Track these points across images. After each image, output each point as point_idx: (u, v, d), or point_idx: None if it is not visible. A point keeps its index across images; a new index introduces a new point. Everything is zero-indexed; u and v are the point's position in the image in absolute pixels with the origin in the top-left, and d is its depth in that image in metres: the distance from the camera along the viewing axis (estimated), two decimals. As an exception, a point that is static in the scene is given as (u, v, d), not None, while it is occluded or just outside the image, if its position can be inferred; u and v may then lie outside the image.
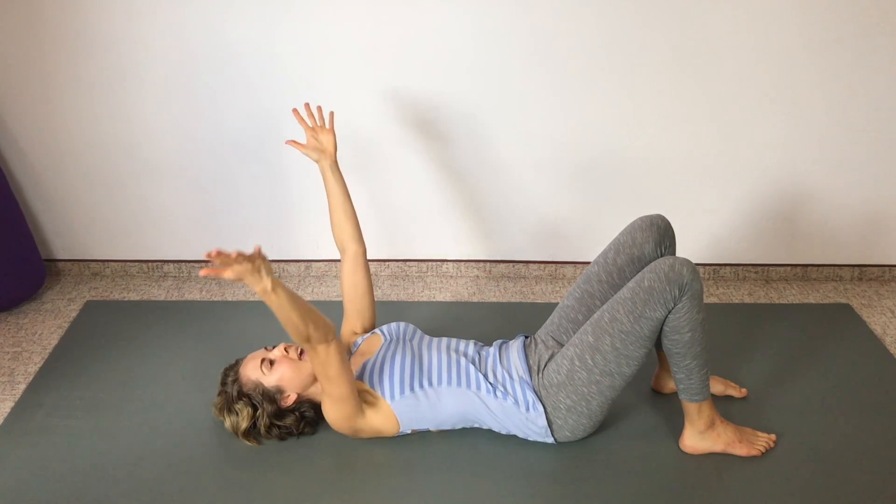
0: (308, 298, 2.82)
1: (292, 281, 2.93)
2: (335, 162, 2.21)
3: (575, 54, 2.56)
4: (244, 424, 2.00)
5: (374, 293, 2.83)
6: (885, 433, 2.10)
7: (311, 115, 2.23)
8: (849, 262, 2.91)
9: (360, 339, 2.21)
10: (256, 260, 1.70)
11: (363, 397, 2.00)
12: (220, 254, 1.65)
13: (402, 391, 1.98)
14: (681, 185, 2.76)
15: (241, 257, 1.67)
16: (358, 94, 2.64)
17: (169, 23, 2.52)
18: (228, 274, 1.66)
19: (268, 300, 1.75)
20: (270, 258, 2.92)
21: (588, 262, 2.83)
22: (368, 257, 2.91)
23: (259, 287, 1.73)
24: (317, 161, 2.20)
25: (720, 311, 2.70)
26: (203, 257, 2.02)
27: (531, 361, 2.05)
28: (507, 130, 2.69)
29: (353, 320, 2.24)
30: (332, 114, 2.23)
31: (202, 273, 1.62)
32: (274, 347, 2.07)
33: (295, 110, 2.21)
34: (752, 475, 1.96)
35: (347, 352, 2.20)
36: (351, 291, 2.23)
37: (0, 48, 2.56)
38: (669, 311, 1.86)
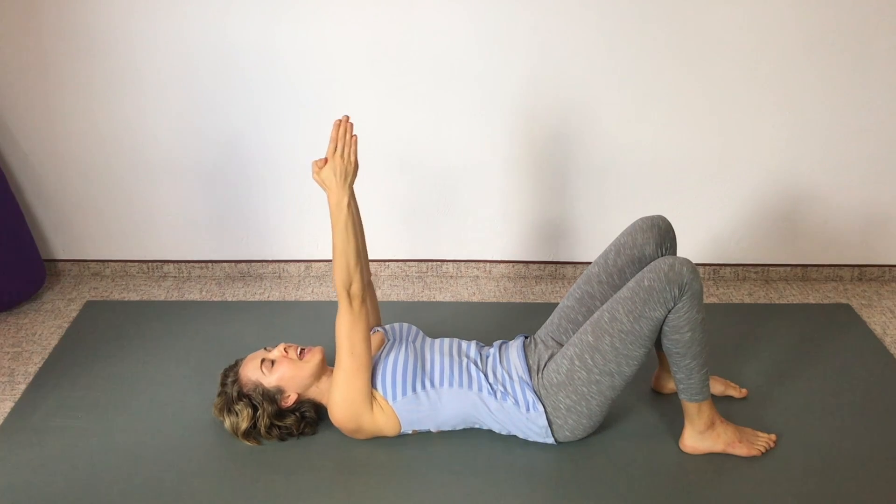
0: (308, 299, 2.82)
1: (292, 281, 2.93)
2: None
3: (575, 54, 2.56)
4: (244, 425, 2.00)
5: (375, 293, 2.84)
6: (884, 433, 2.10)
7: (344, 133, 1.86)
8: (849, 262, 2.91)
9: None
10: (350, 164, 1.83)
11: (374, 403, 2.00)
12: (350, 125, 1.84)
13: (403, 392, 1.98)
14: (681, 185, 2.77)
15: (350, 152, 1.83)
16: (358, 94, 2.64)
17: (169, 23, 2.52)
18: (319, 172, 1.85)
19: (337, 214, 1.84)
20: (270, 258, 2.93)
21: (588, 263, 2.83)
22: (369, 257, 2.92)
23: (335, 195, 1.84)
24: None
25: (720, 311, 2.70)
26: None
27: (531, 361, 2.05)
28: (508, 130, 2.69)
29: None
30: (356, 139, 1.87)
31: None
32: (274, 348, 2.07)
33: (337, 123, 1.85)
34: (752, 475, 1.96)
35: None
36: None
37: (0, 48, 2.56)
38: (669, 311, 1.86)
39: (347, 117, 1.87)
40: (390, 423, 2.00)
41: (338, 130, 1.86)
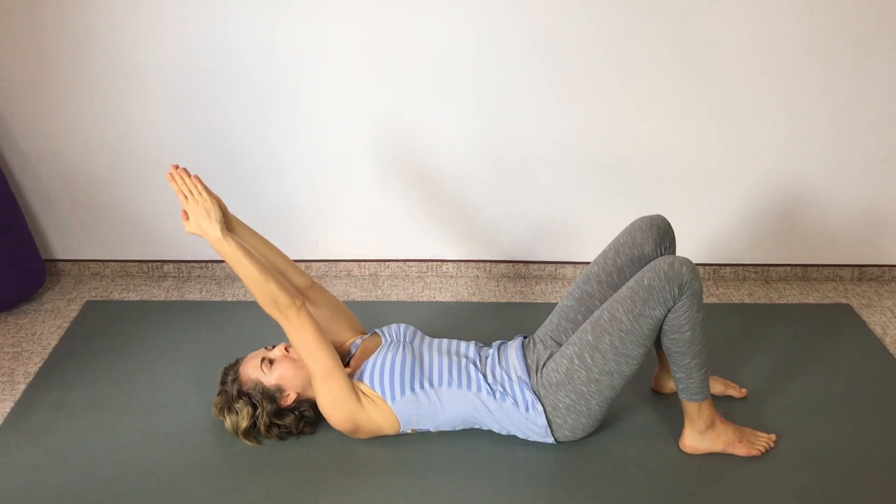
0: (308, 298, 2.81)
1: (292, 281, 2.93)
2: (228, 222, 1.98)
3: (575, 54, 2.56)
4: (244, 424, 2.00)
5: (375, 293, 2.84)
6: (885, 433, 2.10)
7: (183, 181, 1.90)
8: (849, 262, 2.91)
9: (359, 340, 2.21)
10: (206, 201, 1.86)
11: (368, 399, 2.00)
12: (178, 170, 1.88)
13: (402, 392, 1.98)
14: (681, 185, 2.77)
15: (199, 192, 1.87)
16: (358, 94, 2.64)
17: (169, 23, 2.52)
18: (188, 222, 1.89)
19: (222, 250, 1.87)
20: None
21: (588, 262, 2.83)
22: (368, 257, 2.93)
23: (211, 236, 1.87)
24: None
25: (720, 311, 2.70)
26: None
27: (529, 361, 2.05)
28: (508, 130, 2.69)
29: (341, 335, 2.23)
30: (197, 178, 1.91)
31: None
32: (274, 347, 2.07)
33: (171, 177, 1.89)
34: (752, 475, 1.96)
35: (347, 353, 2.20)
36: (324, 318, 2.18)
37: (0, 48, 2.56)
38: (669, 310, 1.86)
39: (176, 166, 1.90)
40: (388, 421, 2.00)
41: (176, 182, 1.89)
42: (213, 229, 1.87)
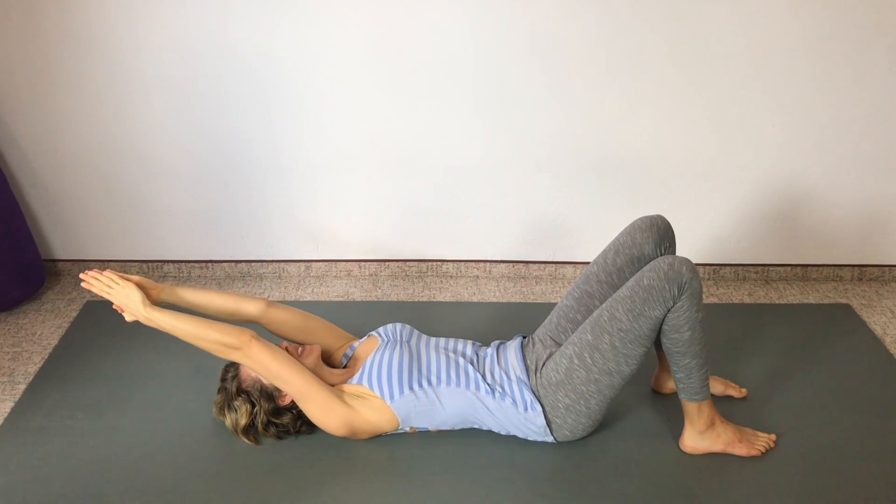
0: (307, 299, 2.82)
1: (292, 281, 2.93)
2: (158, 299, 2.03)
3: (575, 54, 2.56)
4: (243, 421, 2.00)
5: (375, 293, 2.84)
6: (885, 433, 2.10)
7: (98, 280, 1.99)
8: (849, 262, 2.91)
9: (356, 344, 2.20)
10: (123, 289, 1.95)
11: (361, 400, 2.00)
12: (90, 274, 1.97)
13: (401, 391, 1.98)
14: (680, 185, 2.77)
15: (115, 282, 1.96)
16: (359, 95, 2.64)
17: (169, 23, 2.52)
18: (126, 317, 1.99)
19: (157, 325, 1.95)
20: (270, 258, 2.93)
21: (588, 262, 2.83)
22: (367, 257, 2.93)
23: (142, 318, 1.96)
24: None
25: (720, 311, 2.70)
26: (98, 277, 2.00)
27: (529, 361, 2.05)
28: (507, 130, 2.69)
29: (324, 343, 2.21)
30: (110, 270, 2.00)
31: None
32: (274, 347, 2.07)
33: (88, 285, 1.99)
34: (752, 475, 1.96)
35: (342, 356, 2.20)
36: (296, 333, 2.18)
37: (0, 48, 2.56)
38: (668, 310, 1.86)
39: (86, 272, 1.99)
40: (385, 418, 2.00)
41: (94, 286, 1.98)
42: (139, 309, 1.95)
